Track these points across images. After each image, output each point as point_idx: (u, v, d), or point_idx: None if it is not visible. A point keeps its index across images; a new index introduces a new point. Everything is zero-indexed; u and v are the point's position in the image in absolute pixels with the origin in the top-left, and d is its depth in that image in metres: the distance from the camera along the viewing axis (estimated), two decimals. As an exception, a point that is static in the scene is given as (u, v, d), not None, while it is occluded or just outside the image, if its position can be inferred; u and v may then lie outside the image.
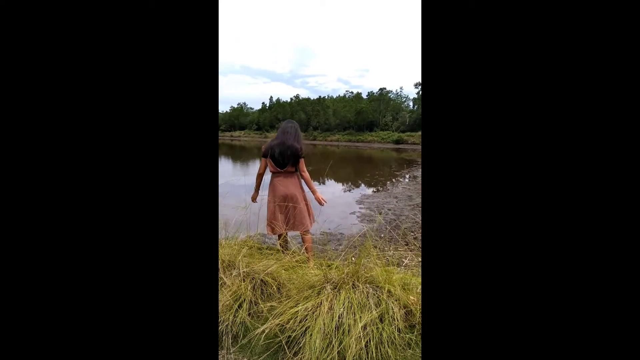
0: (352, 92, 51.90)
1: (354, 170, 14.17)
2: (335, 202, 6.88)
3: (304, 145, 2.27)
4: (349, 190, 9.04)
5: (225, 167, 14.81)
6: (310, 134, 44.00)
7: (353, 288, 1.27)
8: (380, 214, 6.11)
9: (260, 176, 2.33)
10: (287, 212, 2.20)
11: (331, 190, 8.94)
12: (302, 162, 2.23)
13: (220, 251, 1.54)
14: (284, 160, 2.19)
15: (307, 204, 2.30)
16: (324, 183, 10.04)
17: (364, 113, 41.58)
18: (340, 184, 10.25)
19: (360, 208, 6.66)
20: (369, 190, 8.98)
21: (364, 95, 50.31)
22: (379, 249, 1.57)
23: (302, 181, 2.30)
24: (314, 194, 2.26)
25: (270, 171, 2.28)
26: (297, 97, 55.13)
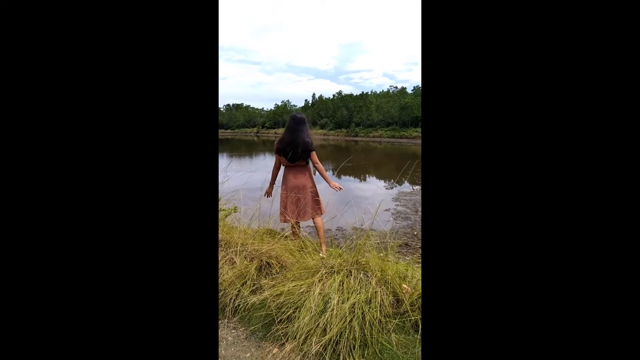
0: (396, 87, 50.25)
1: (396, 167, 13.84)
2: (376, 199, 6.83)
3: (312, 139, 2.40)
4: (390, 188, 8.89)
5: (270, 163, 15.40)
6: (352, 130, 43.62)
7: (348, 274, 1.35)
8: (417, 212, 5.97)
9: (276, 170, 2.51)
10: (297, 203, 2.36)
11: (372, 187, 8.88)
12: (313, 154, 2.37)
13: (236, 235, 1.71)
14: (295, 157, 2.34)
15: (315, 194, 2.43)
16: (364, 180, 10.00)
17: (408, 108, 39.94)
18: (382, 180, 10.11)
19: (396, 205, 6.55)
20: (410, 188, 8.75)
21: (409, 90, 48.43)
22: (381, 242, 1.62)
23: (315, 172, 2.45)
24: (328, 183, 2.36)
25: (283, 165, 2.45)
26: (339, 93, 55.04)
